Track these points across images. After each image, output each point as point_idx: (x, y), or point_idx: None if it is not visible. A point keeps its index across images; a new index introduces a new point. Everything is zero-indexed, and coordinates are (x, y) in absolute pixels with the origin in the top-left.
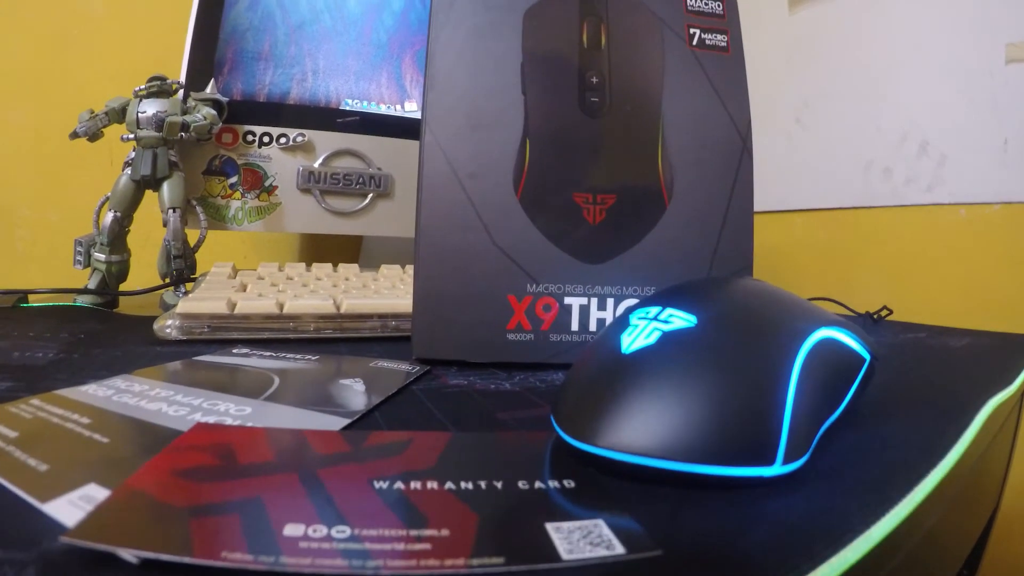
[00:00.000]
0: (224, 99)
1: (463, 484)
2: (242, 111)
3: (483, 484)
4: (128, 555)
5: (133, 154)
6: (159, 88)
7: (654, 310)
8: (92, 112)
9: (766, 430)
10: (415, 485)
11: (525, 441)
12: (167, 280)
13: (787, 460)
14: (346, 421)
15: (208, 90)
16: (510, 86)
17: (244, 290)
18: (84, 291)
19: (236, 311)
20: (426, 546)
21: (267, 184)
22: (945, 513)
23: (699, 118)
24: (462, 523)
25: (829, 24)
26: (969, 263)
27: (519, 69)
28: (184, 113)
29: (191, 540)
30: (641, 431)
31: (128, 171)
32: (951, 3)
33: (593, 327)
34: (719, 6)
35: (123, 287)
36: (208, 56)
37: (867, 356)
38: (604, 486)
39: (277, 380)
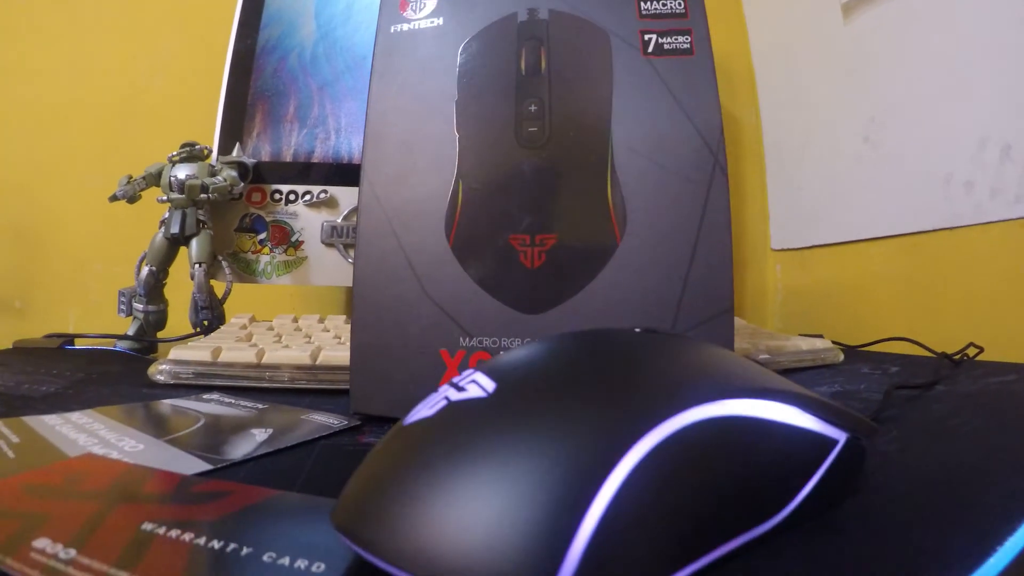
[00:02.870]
0: (250, 161)
1: (215, 543)
2: (270, 171)
3: (231, 546)
4: None
5: (168, 214)
6: (189, 153)
7: (468, 372)
8: (130, 177)
9: (530, 557)
10: (174, 534)
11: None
12: (197, 329)
13: None
14: (207, 467)
15: (234, 153)
16: (444, 127)
17: (249, 340)
18: (124, 337)
19: (219, 359)
20: None
21: (293, 239)
22: None
23: (657, 135)
24: (158, 575)
25: (889, 28)
26: None
27: (453, 107)
28: (212, 175)
29: None
30: (378, 522)
31: (163, 229)
32: None
33: None
34: (679, 4)
35: (162, 334)
36: (237, 121)
37: (837, 437)
38: None
39: (200, 424)
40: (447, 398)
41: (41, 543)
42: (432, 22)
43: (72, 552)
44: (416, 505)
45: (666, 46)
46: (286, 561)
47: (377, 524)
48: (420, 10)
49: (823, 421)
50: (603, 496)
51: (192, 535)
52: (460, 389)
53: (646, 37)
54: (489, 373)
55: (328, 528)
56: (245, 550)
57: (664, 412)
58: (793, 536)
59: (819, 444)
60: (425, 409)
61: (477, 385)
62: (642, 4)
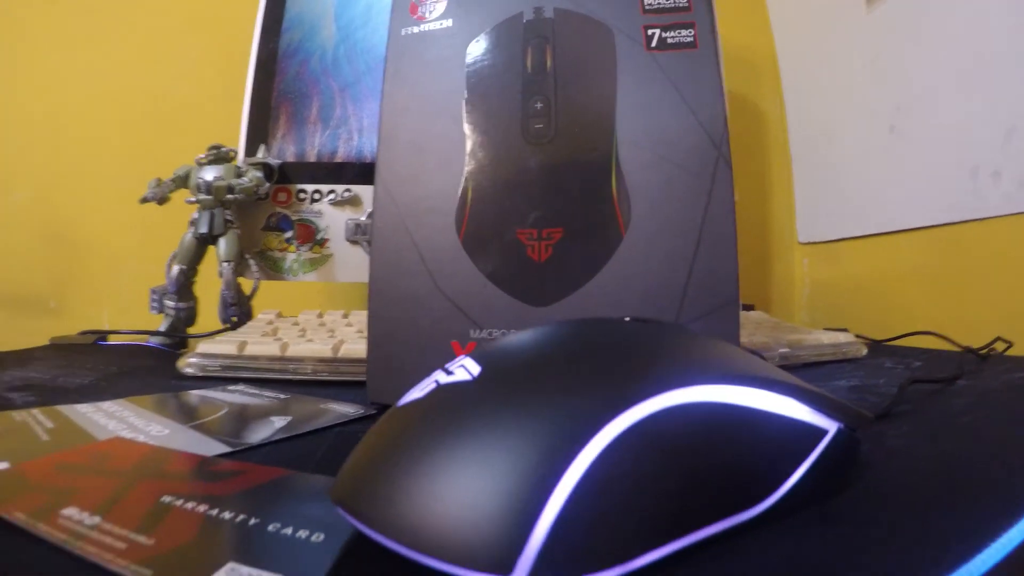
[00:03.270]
0: (275, 162)
1: (225, 513)
2: (295, 172)
3: (240, 517)
4: None
5: (196, 214)
6: (216, 155)
7: (460, 357)
8: (159, 180)
9: (501, 529)
10: (189, 505)
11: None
12: (226, 325)
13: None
14: (227, 449)
15: (259, 154)
16: (453, 126)
17: (274, 334)
18: (155, 333)
19: (244, 352)
20: (122, 545)
21: (319, 237)
22: None
23: (661, 129)
24: (173, 539)
25: (912, 15)
26: None
27: (462, 106)
28: (238, 177)
29: (12, 501)
30: (370, 496)
31: (192, 229)
32: None
33: None
34: None
35: (192, 330)
36: (261, 123)
37: (827, 427)
38: (353, 550)
39: (223, 412)
40: (437, 381)
41: (69, 511)
42: (442, 24)
43: (97, 519)
44: (402, 481)
45: (669, 40)
46: (289, 531)
47: (369, 499)
48: (430, 13)
49: (812, 410)
50: (571, 475)
51: (206, 507)
52: (449, 373)
53: (649, 32)
54: (477, 358)
55: (330, 503)
56: (253, 521)
57: (637, 396)
58: (783, 524)
59: (808, 433)
60: (417, 392)
61: (464, 369)
62: None
